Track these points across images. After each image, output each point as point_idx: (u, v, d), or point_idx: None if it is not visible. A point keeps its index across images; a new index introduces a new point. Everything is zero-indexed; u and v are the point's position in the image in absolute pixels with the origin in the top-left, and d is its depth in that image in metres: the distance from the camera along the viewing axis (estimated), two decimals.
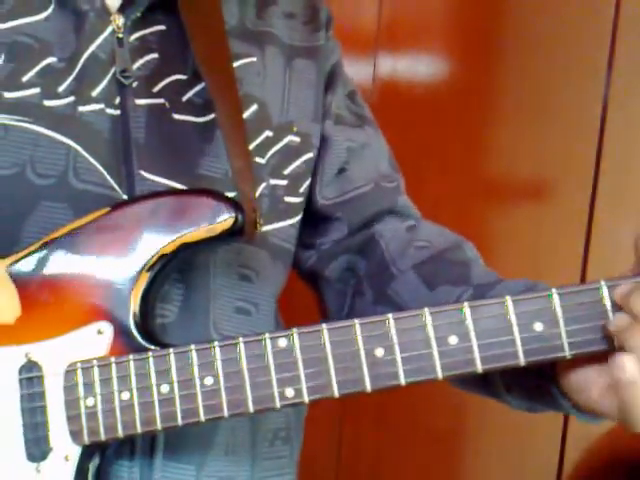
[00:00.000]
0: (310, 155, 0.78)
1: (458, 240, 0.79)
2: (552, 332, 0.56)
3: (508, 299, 0.57)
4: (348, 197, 0.80)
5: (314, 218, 0.80)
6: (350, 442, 1.49)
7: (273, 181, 0.75)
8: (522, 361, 0.57)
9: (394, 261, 0.77)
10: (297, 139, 0.77)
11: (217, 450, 0.70)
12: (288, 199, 0.76)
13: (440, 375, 0.58)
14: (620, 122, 1.46)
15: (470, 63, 1.46)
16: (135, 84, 0.69)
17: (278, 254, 0.76)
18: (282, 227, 0.75)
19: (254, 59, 0.76)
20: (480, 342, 0.57)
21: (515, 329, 0.57)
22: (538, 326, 0.57)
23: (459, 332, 0.58)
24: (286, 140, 0.76)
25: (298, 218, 0.78)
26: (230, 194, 0.68)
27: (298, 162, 0.77)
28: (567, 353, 0.56)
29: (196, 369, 0.60)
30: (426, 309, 0.59)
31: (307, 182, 0.78)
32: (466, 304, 0.58)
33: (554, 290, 0.57)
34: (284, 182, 0.75)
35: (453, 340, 0.58)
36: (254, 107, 0.74)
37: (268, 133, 0.75)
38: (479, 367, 0.57)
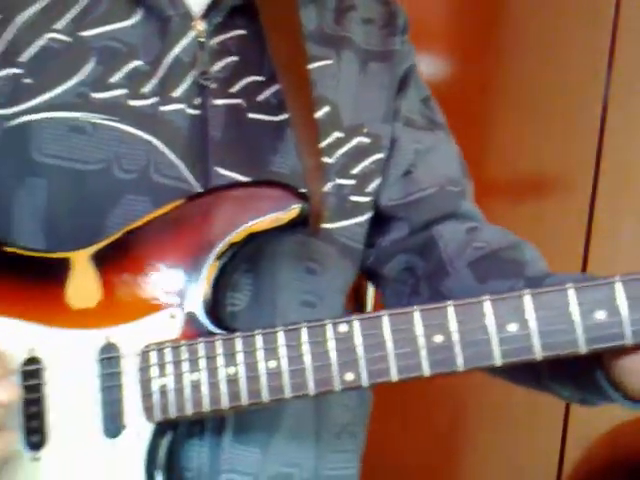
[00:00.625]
0: (380, 156, 0.79)
1: (518, 241, 0.78)
2: (614, 320, 0.55)
3: (570, 286, 0.56)
4: (412, 199, 0.80)
5: (376, 217, 0.81)
6: None
7: (340, 180, 0.76)
8: (583, 349, 0.56)
9: (451, 261, 0.77)
10: (367, 140, 0.78)
11: (282, 435, 0.71)
12: (355, 198, 0.77)
13: (499, 362, 0.57)
14: (620, 122, 1.42)
15: (470, 63, 1.44)
16: (214, 85, 0.72)
17: (346, 252, 0.77)
18: (348, 225, 0.76)
19: (330, 62, 0.78)
20: (540, 329, 0.56)
21: (576, 317, 0.56)
22: (600, 314, 0.55)
23: (519, 319, 0.57)
24: (356, 141, 0.77)
25: (366, 217, 0.78)
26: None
27: (367, 162, 0.78)
28: (630, 341, 0.55)
29: (261, 352, 0.62)
30: (486, 296, 0.58)
31: (376, 182, 0.79)
32: (527, 291, 0.58)
33: (617, 278, 0.55)
34: (351, 182, 0.77)
35: (513, 327, 0.57)
36: (326, 108, 0.76)
37: (338, 134, 0.76)
38: (538, 355, 0.56)
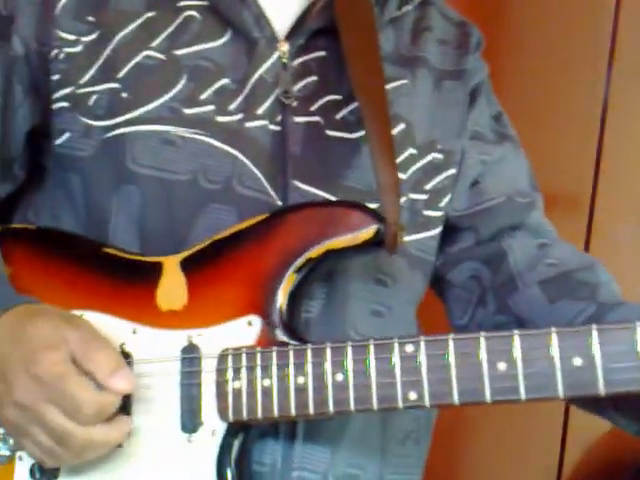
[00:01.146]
0: (452, 171, 0.81)
1: (591, 261, 0.77)
2: None
3: (638, 325, 0.55)
4: (479, 209, 0.81)
5: (443, 227, 0.82)
6: None
7: (413, 195, 0.78)
8: None
9: (520, 275, 0.77)
10: (440, 156, 0.80)
11: (350, 437, 0.73)
12: (427, 212, 0.79)
13: (561, 394, 0.57)
14: (620, 122, 1.38)
15: None
16: (295, 103, 0.76)
17: (417, 264, 0.79)
18: (421, 239, 0.78)
19: (405, 81, 0.80)
20: (606, 366, 0.56)
21: None
22: None
23: (584, 354, 0.57)
24: (429, 157, 0.79)
25: (438, 230, 0.80)
26: (372, 206, 0.72)
27: (440, 178, 0.80)
28: None
29: (329, 365, 0.64)
30: (553, 328, 0.58)
31: (448, 197, 0.81)
32: (594, 327, 0.57)
33: None
34: (424, 196, 0.78)
35: (577, 362, 0.57)
36: (401, 126, 0.78)
37: (412, 150, 0.78)
38: (602, 390, 0.56)
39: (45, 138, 0.79)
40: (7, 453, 0.71)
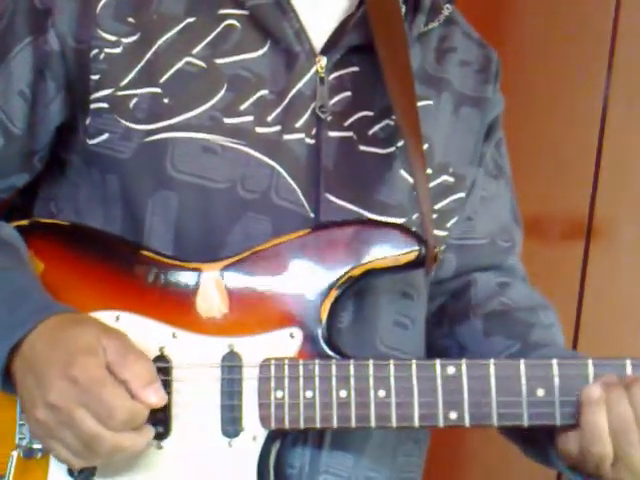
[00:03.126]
0: (461, 195, 0.82)
1: (540, 304, 0.82)
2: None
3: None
4: (464, 243, 0.84)
5: None
6: None
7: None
8: None
9: (473, 307, 0.81)
10: (452, 179, 0.81)
11: (372, 445, 0.75)
12: (435, 232, 0.79)
13: None
14: (620, 121, 1.39)
15: None
16: (329, 118, 0.75)
17: (428, 279, 0.81)
18: None
19: (431, 102, 0.80)
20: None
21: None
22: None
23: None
24: (442, 179, 0.80)
25: (440, 250, 0.81)
26: (401, 220, 0.74)
27: (449, 200, 0.81)
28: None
29: (372, 381, 0.66)
30: (590, 360, 0.61)
31: (454, 219, 0.82)
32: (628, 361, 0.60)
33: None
34: (434, 216, 0.79)
35: None
36: (425, 145, 0.79)
37: (429, 170, 0.79)
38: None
39: (73, 134, 0.76)
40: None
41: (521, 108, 1.45)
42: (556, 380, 0.61)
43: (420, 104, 0.79)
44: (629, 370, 0.60)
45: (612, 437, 0.59)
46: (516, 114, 1.45)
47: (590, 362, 0.61)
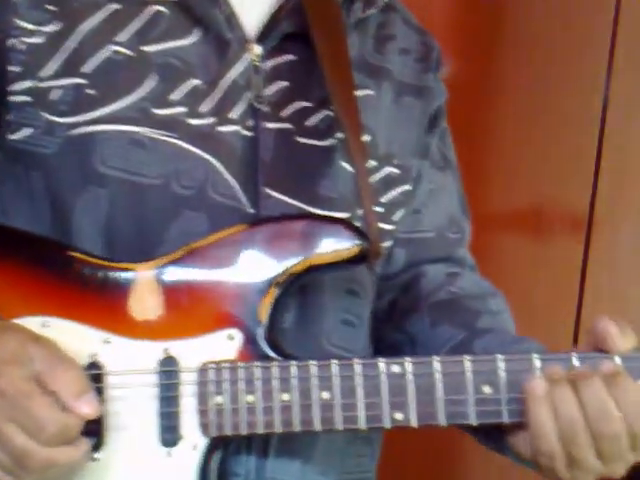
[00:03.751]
0: (408, 187, 0.79)
1: (489, 292, 0.79)
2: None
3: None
4: (412, 237, 0.81)
5: None
6: None
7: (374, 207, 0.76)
8: None
9: (422, 299, 0.78)
10: (397, 171, 0.78)
11: (320, 449, 0.72)
12: (381, 225, 0.77)
13: None
14: (620, 122, 1.39)
15: (470, 64, 1.41)
16: (266, 108, 0.72)
17: (373, 275, 0.78)
18: None
19: (371, 92, 0.77)
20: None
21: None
22: None
23: None
24: (387, 171, 0.77)
25: (387, 244, 0.79)
26: (345, 215, 0.70)
27: (395, 192, 0.78)
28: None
29: (315, 382, 0.63)
30: (535, 354, 0.59)
31: (401, 212, 0.79)
32: (574, 355, 0.59)
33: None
34: (380, 209, 0.77)
35: None
36: (367, 137, 0.75)
37: (373, 162, 0.76)
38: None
39: None
40: None
41: (521, 108, 1.44)
42: (502, 375, 0.59)
43: (360, 93, 0.75)
44: (575, 364, 0.59)
45: (560, 437, 0.57)
46: (516, 114, 1.44)
47: (535, 356, 0.59)
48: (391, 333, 0.81)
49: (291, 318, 0.71)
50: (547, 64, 1.41)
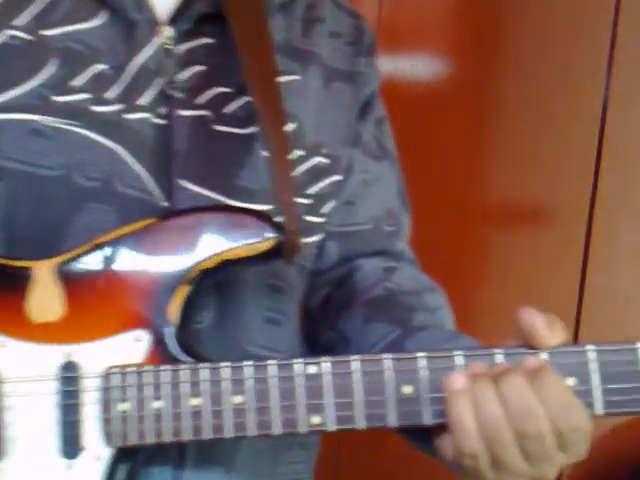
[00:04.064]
0: (338, 177, 0.75)
1: (426, 287, 0.75)
2: None
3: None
4: (346, 230, 0.76)
5: None
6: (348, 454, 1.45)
7: (297, 199, 0.71)
8: None
9: (356, 295, 0.74)
10: (326, 161, 0.73)
11: (244, 457, 0.68)
12: (309, 218, 0.73)
13: None
14: (620, 122, 1.39)
15: (470, 63, 1.40)
16: (180, 95, 0.67)
17: (301, 270, 0.74)
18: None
19: (297, 77, 0.72)
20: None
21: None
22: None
23: None
24: (315, 161, 0.73)
25: (317, 237, 0.74)
26: (267, 207, 0.66)
27: (324, 183, 0.74)
28: None
29: (227, 386, 0.58)
30: (458, 351, 0.56)
31: (331, 204, 0.75)
32: (497, 350, 0.55)
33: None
34: (307, 201, 0.72)
35: None
36: (292, 125, 0.71)
37: (299, 152, 0.71)
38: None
39: None
40: None
41: (521, 107, 1.42)
42: (423, 374, 0.56)
43: (284, 79, 0.71)
44: (499, 360, 0.55)
45: (483, 437, 0.53)
46: (515, 114, 1.41)
47: (457, 353, 0.55)
48: (325, 331, 0.77)
49: (209, 317, 0.67)
50: (547, 63, 1.40)
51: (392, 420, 0.55)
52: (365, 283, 0.76)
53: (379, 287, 0.75)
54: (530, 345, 0.56)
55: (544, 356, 0.55)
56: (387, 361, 0.56)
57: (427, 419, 0.55)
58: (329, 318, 0.76)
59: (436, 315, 0.73)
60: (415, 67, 1.40)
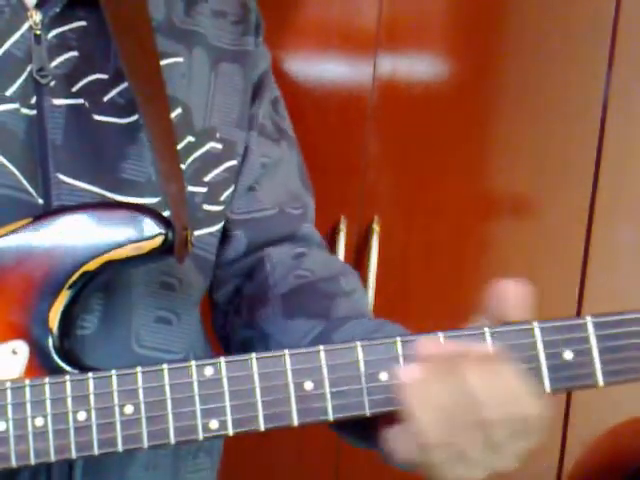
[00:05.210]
0: (233, 163, 0.71)
1: (340, 271, 0.72)
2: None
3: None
4: (251, 217, 0.73)
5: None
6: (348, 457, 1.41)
7: (192, 188, 0.67)
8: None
9: (271, 287, 0.70)
10: (219, 146, 0.69)
11: (137, 467, 0.63)
12: (207, 207, 0.68)
13: (368, 412, 0.53)
14: (620, 122, 1.40)
15: (470, 63, 1.38)
16: (53, 83, 0.62)
17: (199, 263, 0.69)
18: (201, 235, 0.68)
19: (180, 60, 0.68)
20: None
21: None
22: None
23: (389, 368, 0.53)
24: (208, 146, 0.68)
25: (218, 227, 0.70)
26: (155, 201, 0.61)
27: (219, 170, 0.69)
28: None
29: (116, 396, 0.54)
30: (358, 342, 0.54)
31: (229, 190, 0.71)
32: (398, 339, 0.54)
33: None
34: (203, 189, 0.68)
35: (384, 376, 0.53)
36: (178, 110, 0.67)
37: (190, 138, 0.67)
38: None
39: None
40: None
41: (520, 107, 1.39)
42: (324, 370, 0.53)
43: (167, 62, 0.66)
44: (399, 349, 0.54)
45: (436, 427, 0.48)
46: (515, 113, 1.38)
47: (358, 343, 0.53)
48: (240, 330, 0.72)
49: (95, 322, 0.61)
50: (547, 62, 1.40)
51: (294, 419, 0.52)
52: (277, 274, 0.71)
53: (292, 276, 0.71)
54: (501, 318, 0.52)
55: (488, 340, 0.52)
56: (286, 357, 0.53)
57: (330, 416, 0.53)
58: (242, 314, 0.72)
59: (353, 298, 0.70)
60: (415, 67, 1.38)
